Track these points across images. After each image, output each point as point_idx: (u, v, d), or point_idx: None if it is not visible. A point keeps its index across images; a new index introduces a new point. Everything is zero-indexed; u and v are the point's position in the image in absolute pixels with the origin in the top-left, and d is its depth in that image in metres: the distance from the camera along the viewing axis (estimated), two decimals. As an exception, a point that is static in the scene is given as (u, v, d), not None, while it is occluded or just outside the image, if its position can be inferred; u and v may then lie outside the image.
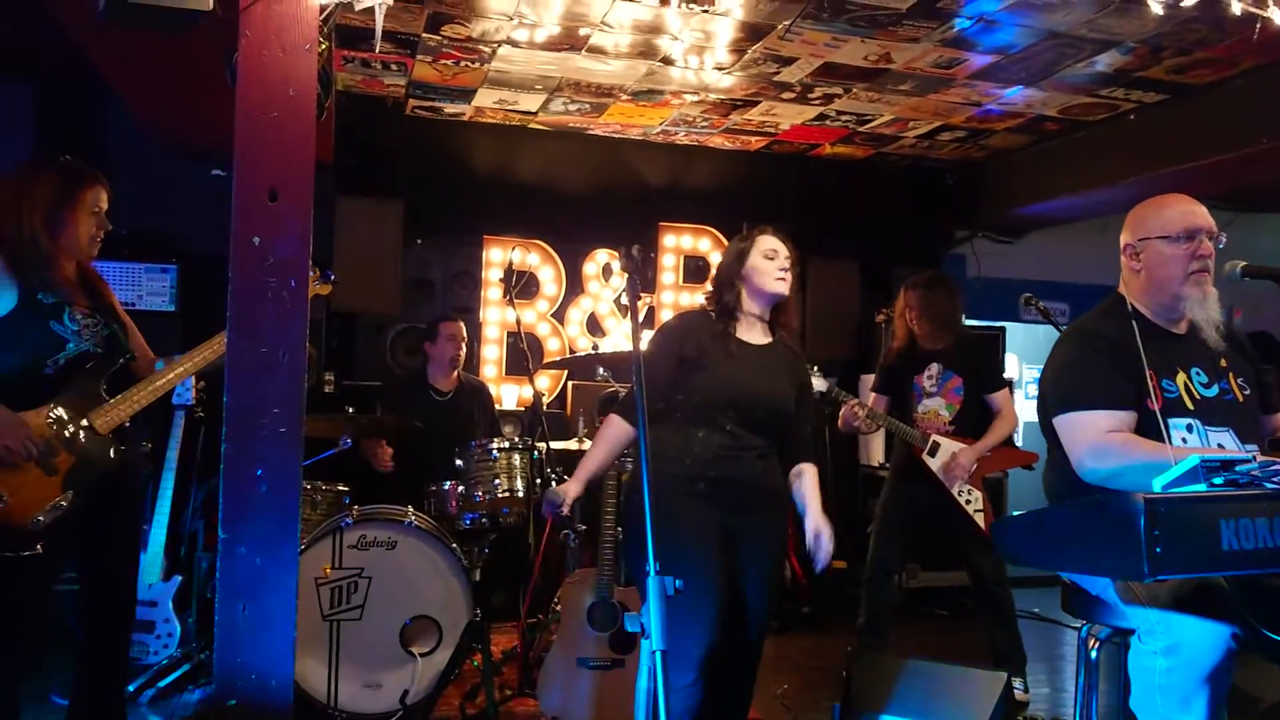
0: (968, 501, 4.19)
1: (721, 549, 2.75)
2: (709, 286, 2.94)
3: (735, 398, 2.78)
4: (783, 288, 2.86)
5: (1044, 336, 7.55)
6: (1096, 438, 2.41)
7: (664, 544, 2.55)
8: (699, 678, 2.66)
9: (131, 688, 3.79)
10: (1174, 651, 2.22)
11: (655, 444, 2.73)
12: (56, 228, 2.76)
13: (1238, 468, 1.91)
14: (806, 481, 2.95)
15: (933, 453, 4.20)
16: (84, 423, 2.71)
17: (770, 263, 2.86)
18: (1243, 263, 2.44)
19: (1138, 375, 2.44)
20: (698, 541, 2.69)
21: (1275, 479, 1.90)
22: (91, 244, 2.87)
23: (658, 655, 1.58)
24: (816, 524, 2.84)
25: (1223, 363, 2.57)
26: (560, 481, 4.27)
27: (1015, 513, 2.33)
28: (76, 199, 2.80)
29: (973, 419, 4.22)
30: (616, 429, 2.85)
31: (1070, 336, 2.65)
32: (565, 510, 2.78)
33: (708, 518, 2.74)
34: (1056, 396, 2.55)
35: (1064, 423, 2.50)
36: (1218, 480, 1.90)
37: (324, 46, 2.28)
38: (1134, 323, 2.51)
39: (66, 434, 2.67)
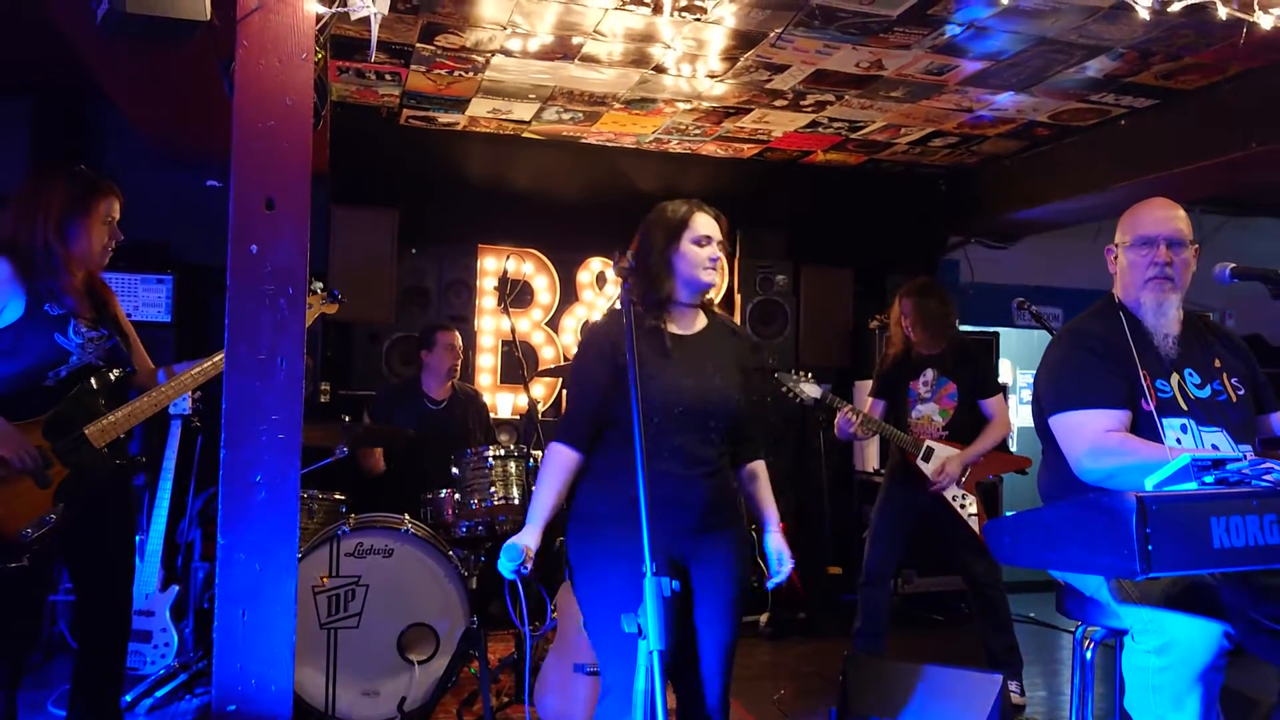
0: (962, 506, 4.21)
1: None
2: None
3: (681, 409, 2.41)
4: (713, 278, 2.51)
5: (1038, 341, 7.57)
6: (1094, 438, 2.42)
7: (601, 585, 2.39)
8: None
9: (129, 697, 3.78)
10: (1167, 650, 2.24)
11: (590, 471, 2.46)
12: (70, 237, 2.77)
13: (1228, 466, 1.93)
14: (760, 488, 2.66)
15: (926, 458, 4.22)
16: (80, 435, 2.71)
17: (702, 251, 2.49)
18: (1232, 264, 2.46)
19: (1131, 375, 2.47)
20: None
21: (1265, 477, 1.92)
22: (104, 254, 2.88)
23: (655, 655, 1.59)
24: (778, 547, 2.58)
25: (1216, 363, 2.60)
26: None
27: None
28: (90, 208, 2.81)
29: (966, 424, 4.24)
30: (561, 457, 2.45)
31: (1064, 337, 2.67)
32: (529, 566, 2.34)
33: (661, 553, 2.23)
34: (1052, 397, 2.56)
35: (1060, 423, 2.52)
36: (1209, 479, 1.91)
37: (320, 56, 2.30)
38: (1126, 324, 2.54)
39: (61, 446, 2.68)
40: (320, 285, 3.35)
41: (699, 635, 2.46)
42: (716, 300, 2.65)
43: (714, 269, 2.50)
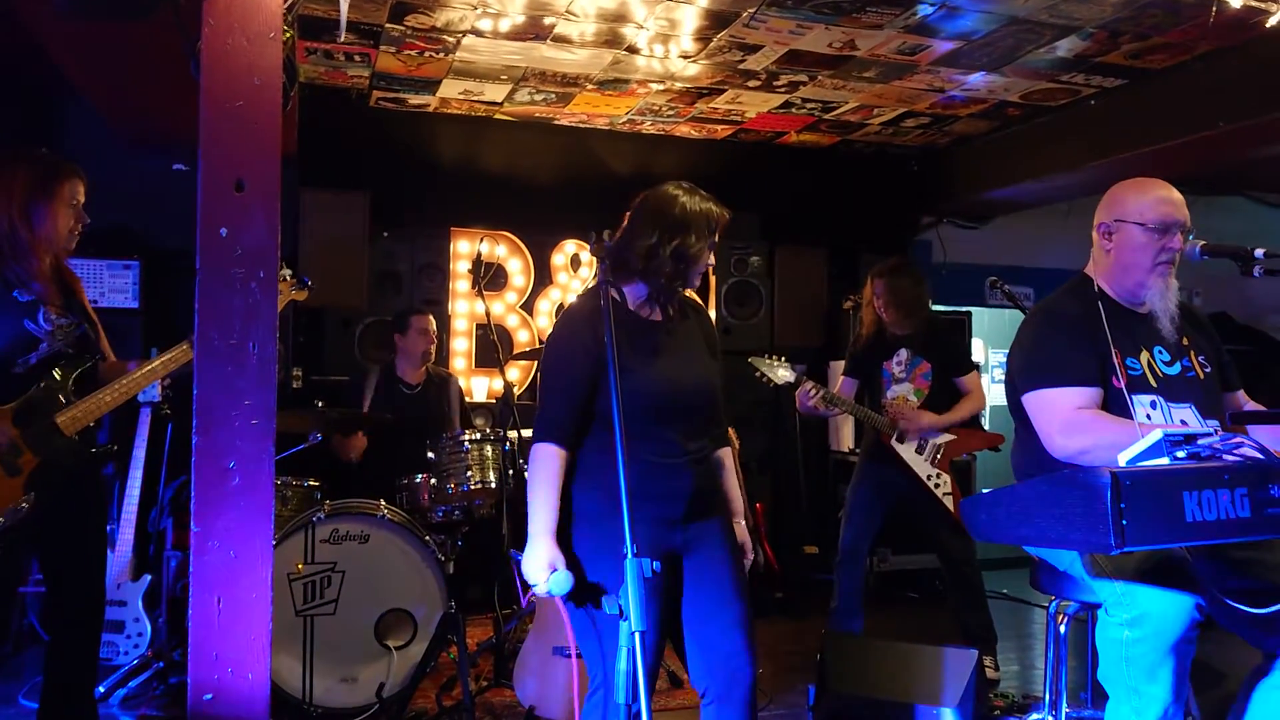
0: (936, 485, 4.24)
1: (666, 571, 2.31)
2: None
3: (671, 401, 2.35)
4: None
5: (1010, 320, 7.65)
6: (1066, 415, 2.44)
7: (595, 578, 2.27)
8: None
9: (103, 688, 3.75)
10: (1140, 623, 2.28)
11: (583, 466, 2.35)
12: (35, 220, 2.72)
13: (1200, 442, 1.96)
14: (727, 477, 2.58)
15: (900, 439, 4.24)
16: (50, 423, 2.67)
17: (709, 253, 2.42)
18: (1201, 241, 2.48)
19: (1103, 353, 2.48)
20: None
21: (1235, 452, 1.95)
22: (70, 237, 2.83)
23: (636, 636, 1.58)
24: (744, 537, 2.53)
25: (1184, 341, 2.63)
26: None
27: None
28: (54, 191, 2.76)
29: (942, 403, 4.26)
30: (552, 460, 2.30)
31: (1036, 316, 2.69)
32: (570, 577, 2.20)
33: (651, 547, 2.22)
34: (1025, 375, 2.58)
35: (1033, 401, 2.53)
36: (1181, 454, 1.94)
37: (288, 35, 2.26)
38: (1100, 303, 2.55)
39: (31, 434, 2.64)
40: (289, 271, 3.31)
41: (714, 619, 2.40)
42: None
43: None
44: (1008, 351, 2.77)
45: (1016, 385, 2.61)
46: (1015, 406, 2.64)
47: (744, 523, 2.57)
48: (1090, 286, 2.64)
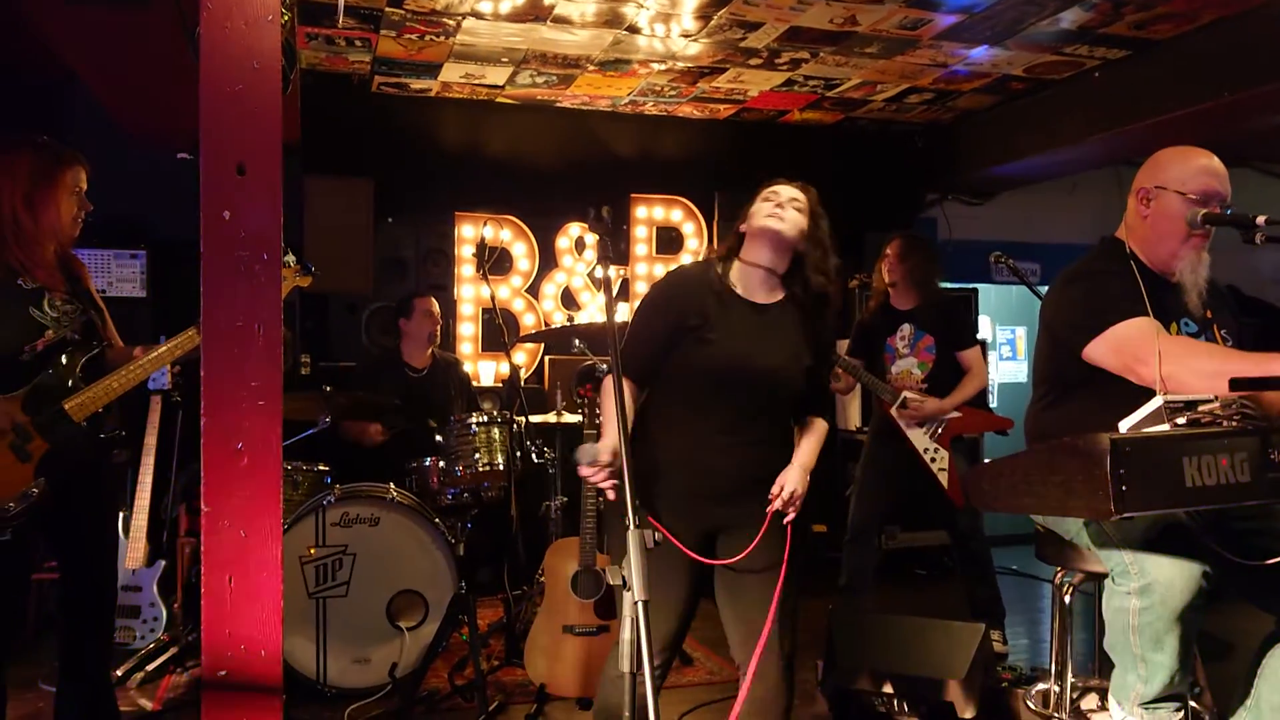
0: (933, 460, 4.23)
1: (703, 551, 2.43)
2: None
3: (734, 378, 2.41)
4: (774, 224, 2.45)
5: (1016, 296, 7.64)
6: (1166, 343, 2.28)
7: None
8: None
9: (120, 672, 3.80)
10: (1147, 591, 2.28)
11: (635, 427, 2.43)
12: (38, 208, 2.73)
13: (1200, 407, 1.96)
14: (806, 432, 2.57)
15: (902, 406, 4.24)
16: (59, 409, 2.70)
17: (766, 203, 2.50)
18: (1203, 210, 2.46)
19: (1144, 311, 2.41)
20: (669, 550, 2.33)
21: (1236, 417, 1.95)
22: (74, 225, 2.84)
23: (640, 606, 1.61)
24: (785, 474, 2.45)
25: (1208, 314, 2.59)
26: (540, 455, 4.31)
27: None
28: (57, 179, 2.77)
29: (945, 377, 4.26)
30: (619, 386, 2.41)
31: (1079, 276, 2.57)
32: (604, 476, 2.27)
33: (687, 517, 2.42)
34: (1087, 323, 2.43)
35: (1105, 341, 2.38)
36: (1180, 421, 1.95)
37: (286, 18, 2.27)
38: (1133, 264, 2.50)
39: (41, 420, 2.66)
40: (293, 258, 3.32)
41: (746, 596, 2.46)
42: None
43: (775, 215, 2.48)
44: (1046, 319, 2.61)
45: (1071, 341, 2.47)
46: (1051, 370, 2.57)
47: (802, 473, 2.47)
48: (1123, 249, 2.57)
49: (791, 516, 2.45)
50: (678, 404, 2.47)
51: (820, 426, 2.59)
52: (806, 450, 2.52)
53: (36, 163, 2.75)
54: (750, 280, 2.52)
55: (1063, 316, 2.56)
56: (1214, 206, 2.46)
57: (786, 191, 2.53)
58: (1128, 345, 2.34)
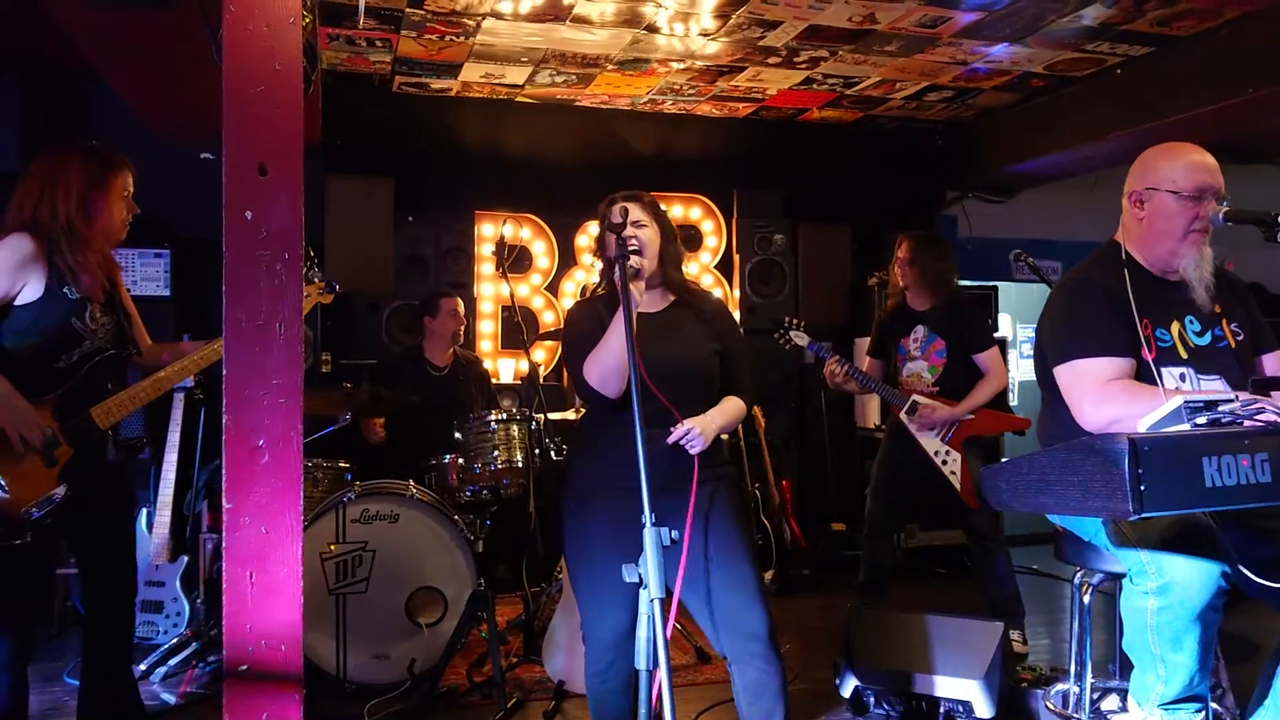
0: (944, 463, 4.20)
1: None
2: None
3: (650, 373, 2.36)
4: (635, 263, 2.50)
5: (1037, 295, 7.54)
6: (1098, 387, 2.40)
7: (588, 541, 2.52)
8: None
9: (144, 666, 3.84)
10: (1165, 591, 2.26)
11: (577, 438, 2.61)
12: (91, 213, 2.77)
13: (1220, 407, 1.95)
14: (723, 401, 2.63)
15: (911, 411, 4.22)
16: (86, 416, 2.74)
17: (613, 235, 2.54)
18: (1225, 207, 2.45)
19: (1132, 324, 2.44)
20: (608, 539, 2.47)
21: (1257, 417, 1.94)
22: (123, 228, 2.90)
23: (655, 603, 1.61)
24: (692, 424, 2.47)
25: (1217, 309, 2.57)
26: (559, 452, 4.33)
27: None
28: (108, 184, 2.81)
29: (957, 381, 4.19)
30: None
31: (1066, 286, 2.63)
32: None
33: (618, 513, 2.47)
34: (1056, 346, 2.54)
35: (1065, 372, 2.49)
36: (1201, 420, 1.93)
37: (307, 20, 2.29)
38: (1126, 271, 2.51)
39: (69, 427, 2.70)
40: (318, 274, 3.35)
41: (718, 585, 2.49)
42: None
43: (634, 254, 2.52)
44: (1037, 321, 2.72)
45: (1047, 356, 2.57)
46: (1044, 377, 2.62)
47: (706, 421, 2.51)
48: (1119, 254, 2.58)
49: (698, 449, 2.46)
50: (607, 409, 2.54)
51: (732, 401, 2.63)
52: (714, 411, 2.56)
53: (88, 168, 2.78)
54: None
55: (1043, 326, 2.64)
56: (1209, 200, 2.47)
57: (629, 215, 2.62)
58: (1075, 385, 2.45)
